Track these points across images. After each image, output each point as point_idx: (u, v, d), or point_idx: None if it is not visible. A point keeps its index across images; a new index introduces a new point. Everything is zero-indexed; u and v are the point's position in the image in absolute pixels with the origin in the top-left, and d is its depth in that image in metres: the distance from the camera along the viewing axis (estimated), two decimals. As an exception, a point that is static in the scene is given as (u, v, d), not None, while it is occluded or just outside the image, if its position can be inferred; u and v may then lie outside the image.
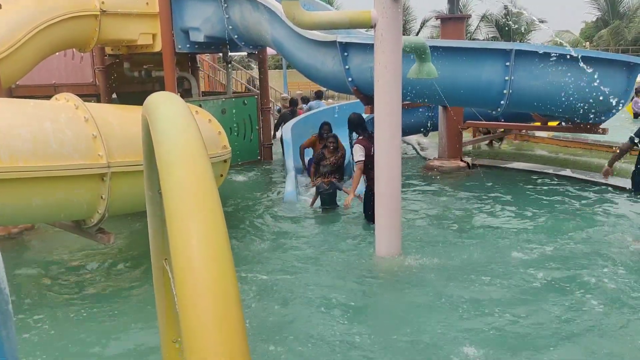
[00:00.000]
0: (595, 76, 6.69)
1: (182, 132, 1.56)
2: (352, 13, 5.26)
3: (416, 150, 12.60)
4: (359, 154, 6.79)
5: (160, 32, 9.38)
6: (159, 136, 1.60)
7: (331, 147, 8.15)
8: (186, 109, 1.71)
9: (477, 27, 42.93)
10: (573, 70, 6.88)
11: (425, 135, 11.90)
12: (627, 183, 7.94)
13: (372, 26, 5.16)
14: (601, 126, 8.31)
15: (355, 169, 6.94)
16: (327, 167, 8.07)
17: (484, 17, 42.49)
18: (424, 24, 43.82)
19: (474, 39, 37.04)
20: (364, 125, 7.13)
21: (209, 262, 1.28)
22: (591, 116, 7.68)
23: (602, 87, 6.75)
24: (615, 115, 7.78)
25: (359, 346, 3.91)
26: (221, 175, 6.79)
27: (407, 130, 10.97)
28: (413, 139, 13.35)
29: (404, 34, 5.37)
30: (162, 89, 9.72)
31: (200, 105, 9.15)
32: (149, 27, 9.37)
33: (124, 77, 10.99)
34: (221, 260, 1.26)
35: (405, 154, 12.40)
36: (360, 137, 6.99)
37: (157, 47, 9.49)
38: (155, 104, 1.75)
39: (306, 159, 9.53)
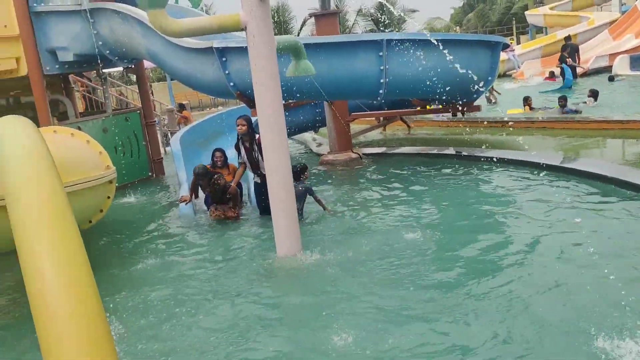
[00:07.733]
0: (461, 57, 7.10)
1: (27, 158, 1.47)
2: (220, 17, 5.21)
3: (310, 147, 12.75)
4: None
5: (25, 55, 8.84)
6: (3, 164, 1.50)
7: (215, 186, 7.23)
8: (33, 132, 1.61)
9: (354, 21, 44.14)
10: (440, 54, 7.25)
11: (316, 131, 12.08)
12: (511, 154, 8.40)
13: (243, 29, 5.14)
14: (475, 103, 8.88)
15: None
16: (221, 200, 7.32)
17: (359, 12, 43.73)
18: (304, 22, 44.39)
19: (353, 33, 38.03)
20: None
21: (67, 292, 1.21)
22: (463, 95, 8.15)
23: (468, 68, 7.15)
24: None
25: (263, 345, 3.90)
26: (108, 197, 6.51)
27: (297, 129, 11.10)
28: (308, 136, 13.50)
29: (284, 34, 5.40)
30: (35, 115, 9.13)
31: (79, 127, 8.72)
32: (10, 50, 8.82)
33: (-10, 106, 10.25)
34: (81, 286, 1.20)
35: (300, 151, 12.53)
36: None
37: (23, 71, 8.96)
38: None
39: None
